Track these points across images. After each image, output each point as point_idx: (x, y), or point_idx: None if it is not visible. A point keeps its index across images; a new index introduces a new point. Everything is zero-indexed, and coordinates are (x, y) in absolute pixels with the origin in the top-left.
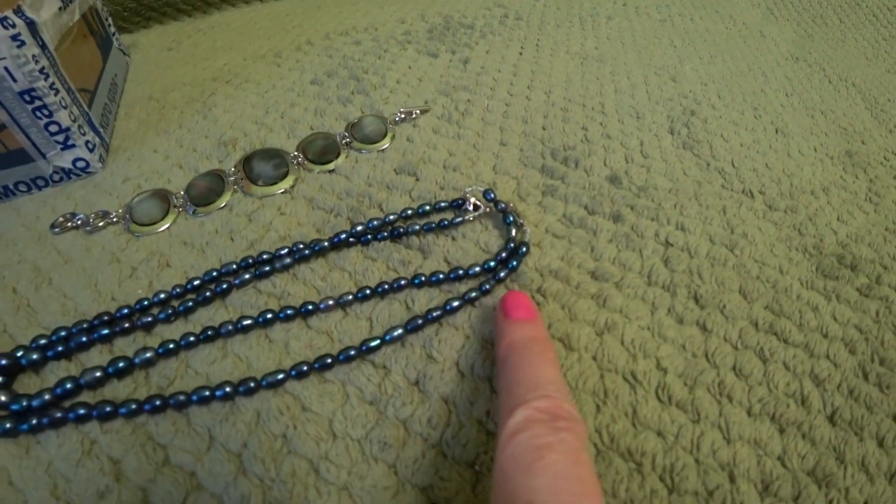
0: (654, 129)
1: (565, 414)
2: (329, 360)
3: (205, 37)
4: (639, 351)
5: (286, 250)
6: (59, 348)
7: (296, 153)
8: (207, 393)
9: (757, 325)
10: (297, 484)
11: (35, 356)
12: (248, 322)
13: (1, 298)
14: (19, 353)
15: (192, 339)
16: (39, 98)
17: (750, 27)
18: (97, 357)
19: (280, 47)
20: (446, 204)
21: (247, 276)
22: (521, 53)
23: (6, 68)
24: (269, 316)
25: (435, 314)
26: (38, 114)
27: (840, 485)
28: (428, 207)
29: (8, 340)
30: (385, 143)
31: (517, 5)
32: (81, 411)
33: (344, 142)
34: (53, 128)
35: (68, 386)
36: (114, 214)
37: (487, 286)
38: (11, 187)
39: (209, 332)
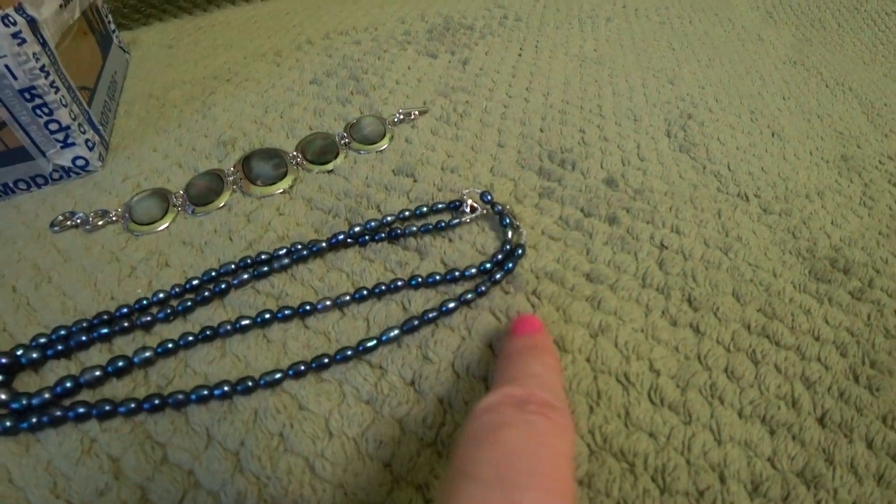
0: (650, 131)
1: (538, 401)
2: (326, 360)
3: (205, 34)
4: (632, 353)
5: (284, 251)
6: (59, 347)
7: (295, 153)
8: (206, 392)
9: (749, 328)
10: (293, 481)
11: (35, 355)
12: (247, 322)
13: (0, 297)
14: (19, 352)
15: (190, 338)
16: (39, 96)
17: (748, 30)
18: (97, 356)
19: (280, 46)
20: (444, 205)
21: (245, 277)
22: (520, 55)
23: (7, 66)
24: (267, 316)
25: (431, 315)
26: (38, 112)
27: (829, 486)
28: (425, 209)
29: (8, 339)
30: (383, 144)
31: (517, 6)
32: (81, 410)
33: (343, 142)
34: (53, 126)
35: (68, 385)
36: (113, 213)
37: (483, 288)
38: (11, 185)
39: (208, 332)
